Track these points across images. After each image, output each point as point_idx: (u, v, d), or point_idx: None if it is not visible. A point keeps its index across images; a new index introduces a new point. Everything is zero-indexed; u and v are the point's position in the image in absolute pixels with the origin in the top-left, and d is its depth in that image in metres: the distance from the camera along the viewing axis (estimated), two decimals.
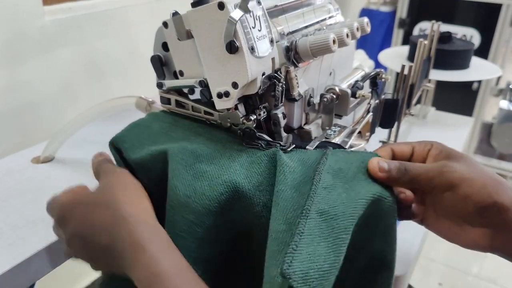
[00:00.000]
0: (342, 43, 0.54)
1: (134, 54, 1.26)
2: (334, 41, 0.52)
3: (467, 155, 0.46)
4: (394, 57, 1.14)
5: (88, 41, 1.12)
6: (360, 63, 0.75)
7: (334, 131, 0.58)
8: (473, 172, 0.42)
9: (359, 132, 0.60)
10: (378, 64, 1.08)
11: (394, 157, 0.48)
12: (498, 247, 0.43)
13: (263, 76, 0.50)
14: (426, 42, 0.76)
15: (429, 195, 0.46)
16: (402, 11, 2.19)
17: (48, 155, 0.74)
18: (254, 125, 0.51)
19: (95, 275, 1.36)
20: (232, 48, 0.45)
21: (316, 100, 0.59)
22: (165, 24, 0.51)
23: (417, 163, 0.46)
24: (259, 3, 0.49)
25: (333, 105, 0.58)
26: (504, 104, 2.14)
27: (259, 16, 0.49)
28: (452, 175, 0.42)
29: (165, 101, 0.58)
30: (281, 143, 0.51)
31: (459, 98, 2.11)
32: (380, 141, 0.73)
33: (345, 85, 0.62)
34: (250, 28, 0.47)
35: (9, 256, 0.53)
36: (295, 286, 0.34)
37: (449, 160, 0.44)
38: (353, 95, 0.59)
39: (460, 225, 0.44)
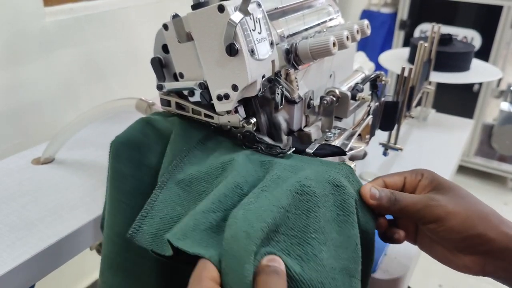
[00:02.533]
0: (342, 46, 0.54)
1: (134, 55, 1.26)
2: (334, 44, 0.52)
3: (456, 185, 0.47)
4: (395, 59, 1.14)
5: (88, 42, 1.12)
6: (361, 65, 0.75)
7: (334, 134, 0.58)
8: (458, 205, 0.44)
9: (359, 135, 0.60)
10: (378, 66, 1.08)
11: (386, 188, 0.49)
12: (489, 273, 0.45)
13: (263, 79, 0.50)
14: (426, 44, 0.76)
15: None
16: (403, 13, 2.19)
17: (49, 156, 0.74)
18: (254, 128, 0.51)
19: (94, 276, 1.36)
20: (232, 50, 0.45)
21: (316, 102, 0.59)
22: (165, 26, 0.51)
23: (407, 193, 0.47)
24: (259, 5, 0.49)
25: (333, 107, 0.58)
26: (505, 106, 2.14)
27: (259, 19, 0.49)
28: (437, 209, 0.44)
29: (165, 103, 0.58)
30: (281, 146, 0.51)
31: (459, 100, 2.11)
32: (380, 144, 0.73)
33: (345, 88, 0.62)
34: (250, 31, 0.47)
35: (8, 257, 0.53)
36: (143, 245, 0.43)
37: (437, 192, 0.46)
38: (353, 97, 0.59)
39: (451, 251, 0.46)
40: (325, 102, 0.58)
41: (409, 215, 0.46)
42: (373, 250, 0.47)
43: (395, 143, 0.72)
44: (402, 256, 0.59)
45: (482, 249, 0.44)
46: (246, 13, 0.45)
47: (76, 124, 0.72)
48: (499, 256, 0.43)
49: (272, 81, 0.51)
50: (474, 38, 2.05)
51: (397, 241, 0.49)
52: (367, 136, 0.63)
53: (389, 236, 0.49)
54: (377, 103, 0.64)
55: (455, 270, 0.47)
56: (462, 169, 2.28)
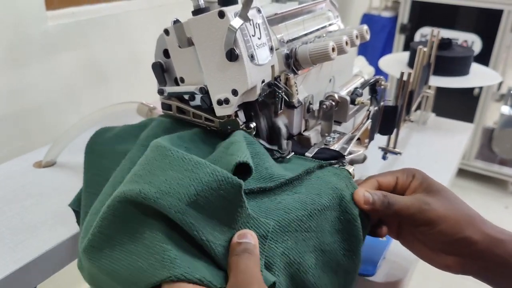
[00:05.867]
0: (341, 51, 0.55)
1: (136, 59, 1.27)
2: (333, 49, 0.53)
3: (445, 187, 0.48)
4: (395, 63, 1.14)
5: (90, 45, 1.13)
6: (360, 70, 0.76)
7: (333, 138, 0.58)
8: (448, 209, 0.46)
9: (358, 139, 0.60)
10: (378, 70, 1.08)
11: (379, 188, 0.51)
12: (469, 273, 0.47)
13: (263, 84, 0.50)
14: (425, 49, 0.77)
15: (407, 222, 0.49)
16: (404, 17, 2.20)
17: (50, 159, 0.75)
18: (254, 132, 0.52)
19: None
20: (232, 56, 0.46)
21: (315, 107, 0.59)
22: (166, 32, 0.52)
23: (399, 196, 0.48)
24: (259, 11, 0.49)
25: (333, 112, 0.59)
26: (505, 109, 2.15)
27: (259, 24, 0.49)
28: (430, 213, 0.45)
29: (166, 107, 0.58)
30: (280, 150, 0.52)
31: (460, 104, 2.11)
32: (380, 148, 0.74)
33: (344, 92, 0.62)
34: (250, 36, 0.47)
35: (10, 260, 0.53)
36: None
37: (428, 195, 0.47)
38: (352, 102, 0.60)
39: (434, 250, 0.48)
40: (324, 106, 0.59)
41: (401, 218, 0.47)
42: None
43: (394, 147, 0.73)
44: (401, 259, 0.59)
45: (465, 251, 0.45)
46: (246, 19, 0.45)
47: (78, 127, 0.73)
48: (480, 256, 0.45)
49: (271, 86, 0.51)
50: (474, 42, 2.06)
51: (379, 235, 0.50)
52: (366, 140, 0.63)
53: (372, 230, 0.50)
54: (376, 108, 0.64)
55: (436, 268, 0.49)
56: (463, 173, 2.28)
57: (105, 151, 0.57)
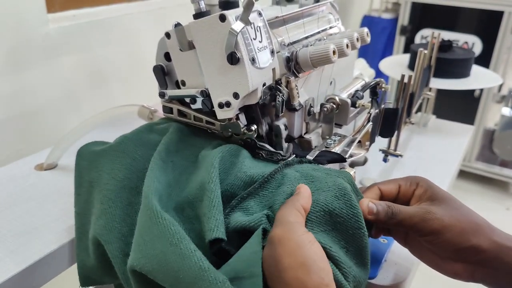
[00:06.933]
0: (342, 54, 0.55)
1: (137, 61, 1.27)
2: (334, 52, 0.53)
3: (450, 196, 0.48)
4: (395, 65, 1.14)
5: (91, 48, 1.13)
6: (361, 72, 0.76)
7: (334, 140, 0.59)
8: (454, 218, 0.45)
9: (359, 141, 0.60)
10: (379, 73, 1.08)
11: (381, 195, 0.50)
12: (478, 280, 0.46)
13: (264, 87, 0.50)
14: (426, 51, 0.77)
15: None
16: (404, 18, 2.20)
17: (51, 162, 0.75)
18: (255, 135, 0.52)
19: None
20: (233, 59, 0.46)
21: (316, 109, 0.59)
22: (167, 35, 0.52)
23: (403, 206, 0.48)
24: (260, 14, 0.50)
25: (333, 114, 0.59)
26: (506, 111, 2.15)
27: (260, 27, 0.49)
28: (434, 223, 0.45)
29: (167, 110, 0.59)
30: (281, 153, 0.52)
31: (461, 105, 2.11)
32: (380, 150, 0.74)
33: (345, 95, 0.63)
34: (251, 40, 0.48)
35: (11, 263, 0.53)
36: None
37: (432, 203, 0.47)
38: (353, 104, 0.60)
39: (442, 258, 0.47)
40: (325, 109, 0.59)
41: (406, 228, 0.47)
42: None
43: (395, 150, 0.73)
44: (402, 261, 0.59)
45: (473, 259, 0.45)
46: (247, 22, 0.45)
47: (79, 130, 0.73)
48: (489, 264, 0.44)
49: (272, 89, 0.51)
50: (475, 43, 2.06)
51: (371, 236, 0.50)
52: (367, 143, 0.63)
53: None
54: (377, 110, 0.64)
55: (445, 275, 0.48)
56: (464, 174, 2.28)
57: (90, 158, 0.58)
